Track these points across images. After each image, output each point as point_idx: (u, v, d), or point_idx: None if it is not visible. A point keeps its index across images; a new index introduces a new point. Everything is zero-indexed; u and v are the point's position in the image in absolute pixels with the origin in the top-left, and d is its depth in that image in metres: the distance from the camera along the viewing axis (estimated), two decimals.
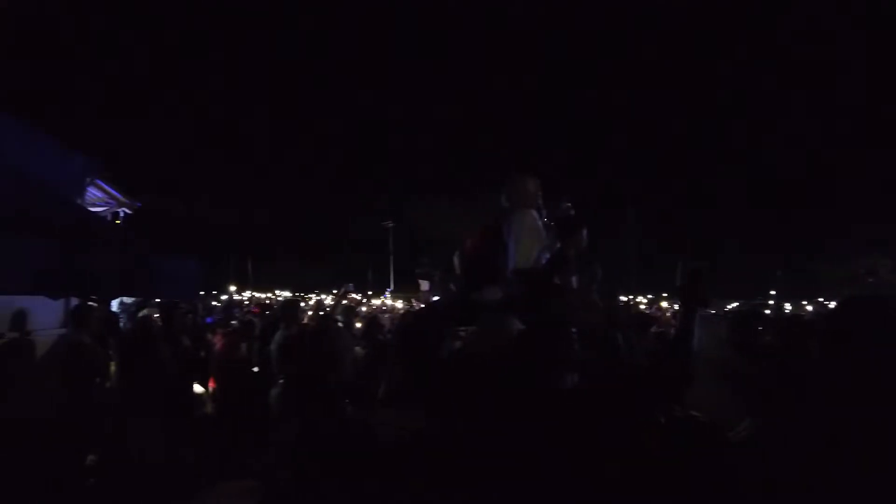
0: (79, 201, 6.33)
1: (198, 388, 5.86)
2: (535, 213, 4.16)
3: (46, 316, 4.68)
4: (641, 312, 10.05)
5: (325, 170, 56.95)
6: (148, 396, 4.40)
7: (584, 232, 3.82)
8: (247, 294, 26.52)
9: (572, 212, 4.13)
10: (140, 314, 6.57)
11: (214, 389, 5.89)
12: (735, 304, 27.28)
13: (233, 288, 23.80)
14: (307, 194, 48.27)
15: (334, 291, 15.98)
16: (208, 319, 8.60)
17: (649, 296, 30.60)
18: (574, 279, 3.89)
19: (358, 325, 8.45)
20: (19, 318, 4.37)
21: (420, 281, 11.37)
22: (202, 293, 17.38)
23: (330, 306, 10.14)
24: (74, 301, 4.88)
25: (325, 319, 5.78)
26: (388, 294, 24.09)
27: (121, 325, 6.49)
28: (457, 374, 2.20)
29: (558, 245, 3.85)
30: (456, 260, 4.75)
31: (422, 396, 2.16)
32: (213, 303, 15.28)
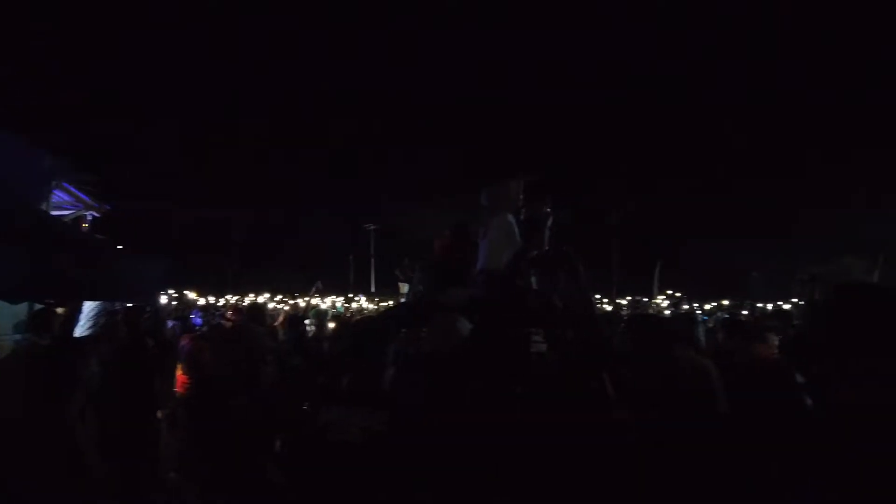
0: (43, 204, 6.22)
1: None
2: (511, 216, 4.19)
3: (6, 321, 4.58)
4: (612, 311, 10.21)
5: (309, 170, 56.47)
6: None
7: (546, 233, 3.85)
8: (227, 298, 26.15)
9: (551, 215, 4.16)
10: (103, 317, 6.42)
11: (181, 393, 5.80)
12: (713, 305, 27.64)
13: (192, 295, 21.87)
14: (288, 195, 47.58)
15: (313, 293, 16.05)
16: (169, 323, 8.56)
17: (628, 298, 30.92)
18: (535, 280, 3.91)
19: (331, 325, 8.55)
20: None
21: (399, 283, 11.38)
22: (174, 299, 17.14)
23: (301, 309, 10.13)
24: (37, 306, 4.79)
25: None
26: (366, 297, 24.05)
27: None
28: (407, 374, 2.23)
29: (521, 247, 3.88)
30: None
31: (372, 396, 2.17)
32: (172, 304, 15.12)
